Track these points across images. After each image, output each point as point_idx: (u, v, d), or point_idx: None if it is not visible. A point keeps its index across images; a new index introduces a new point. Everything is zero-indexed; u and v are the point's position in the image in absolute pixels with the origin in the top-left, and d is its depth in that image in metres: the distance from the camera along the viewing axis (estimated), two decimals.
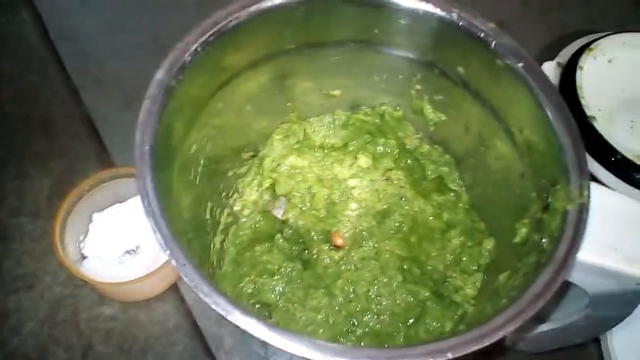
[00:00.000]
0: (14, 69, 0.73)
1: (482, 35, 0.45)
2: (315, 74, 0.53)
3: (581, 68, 0.63)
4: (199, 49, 0.44)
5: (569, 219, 0.40)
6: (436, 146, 0.56)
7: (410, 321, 0.51)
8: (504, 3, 0.81)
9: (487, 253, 0.50)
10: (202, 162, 0.49)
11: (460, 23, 0.46)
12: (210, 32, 0.45)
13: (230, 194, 0.56)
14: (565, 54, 0.67)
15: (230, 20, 0.46)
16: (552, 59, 0.67)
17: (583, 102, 0.61)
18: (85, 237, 0.60)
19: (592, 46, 0.65)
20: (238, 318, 0.35)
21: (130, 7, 0.77)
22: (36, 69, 0.73)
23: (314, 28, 0.49)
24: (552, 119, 0.42)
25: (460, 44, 0.46)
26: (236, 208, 0.56)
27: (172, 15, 0.75)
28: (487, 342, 0.34)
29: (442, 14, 0.46)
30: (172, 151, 0.44)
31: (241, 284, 0.53)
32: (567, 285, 0.42)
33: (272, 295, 0.53)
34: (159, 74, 0.43)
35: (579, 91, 0.61)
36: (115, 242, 0.60)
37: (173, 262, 0.37)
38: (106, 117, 0.69)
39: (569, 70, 0.63)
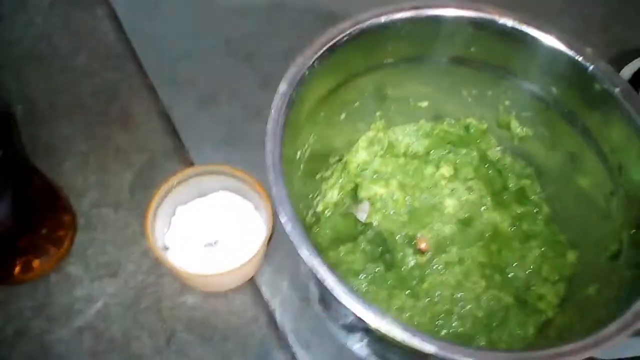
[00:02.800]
0: (91, 64, 0.74)
1: (579, 59, 0.47)
2: (407, 86, 0.56)
3: None
4: (315, 63, 0.47)
5: None
6: (519, 159, 0.58)
7: (493, 325, 0.53)
8: (563, 20, 0.81)
9: (569, 264, 0.52)
10: (301, 167, 0.53)
11: (560, 48, 0.47)
12: (325, 48, 0.48)
13: (315, 196, 0.59)
14: (626, 72, 0.68)
15: (342, 37, 0.47)
16: None
17: None
18: (169, 229, 0.61)
19: None
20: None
21: (202, 10, 0.78)
22: (113, 66, 0.74)
23: (415, 45, 0.52)
24: None
25: (556, 67, 0.48)
26: (318, 209, 0.59)
27: (241, 20, 0.78)
28: (600, 347, 0.36)
29: (542, 38, 0.48)
30: (288, 158, 0.47)
31: None
32: None
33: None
34: (282, 87, 0.45)
35: None
36: (196, 235, 0.61)
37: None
38: (182, 115, 0.71)
39: None
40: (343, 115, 0.55)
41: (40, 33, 0.76)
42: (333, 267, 0.53)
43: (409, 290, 0.55)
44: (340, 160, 0.59)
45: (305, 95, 0.47)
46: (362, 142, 0.59)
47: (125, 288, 0.61)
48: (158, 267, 0.62)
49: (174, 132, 0.70)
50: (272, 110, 0.44)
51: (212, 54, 0.76)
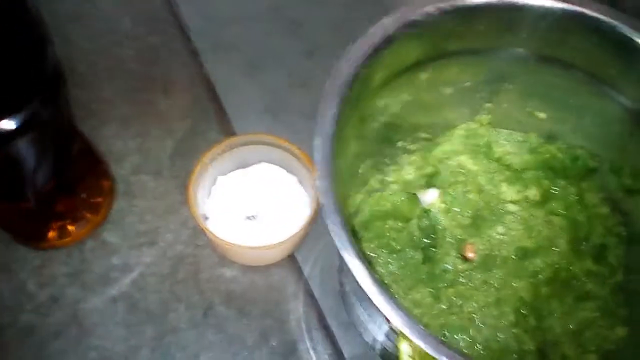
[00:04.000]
0: (135, 28, 0.73)
1: None
2: (530, 89, 0.52)
3: None
4: (424, 16, 0.45)
5: None
6: (616, 214, 0.52)
7: None
8: None
9: (614, 340, 0.48)
10: (382, 120, 0.51)
11: None
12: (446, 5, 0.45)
13: (389, 163, 0.56)
14: None
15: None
16: None
17: None
18: (209, 199, 0.59)
19: None
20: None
21: None
22: (157, 29, 0.72)
23: (551, 41, 0.47)
24: None
25: None
26: (388, 178, 0.57)
27: None
28: None
29: None
30: (362, 96, 0.45)
31: (360, 246, 0.53)
32: None
33: (382, 270, 0.53)
34: (386, 20, 0.43)
35: None
36: (237, 206, 0.59)
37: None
38: (226, 82, 0.69)
39: None
40: (449, 90, 0.52)
41: None
42: (376, 236, 0.53)
43: (432, 290, 0.51)
44: (430, 140, 0.56)
45: (403, 45, 0.45)
46: (460, 130, 0.55)
47: (163, 258, 0.60)
48: (197, 237, 0.61)
49: (216, 99, 0.68)
50: (360, 40, 0.42)
51: (258, 21, 0.73)
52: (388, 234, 0.53)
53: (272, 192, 0.60)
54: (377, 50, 0.43)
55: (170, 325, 0.57)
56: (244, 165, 0.61)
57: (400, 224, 0.54)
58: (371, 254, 0.52)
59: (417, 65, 0.48)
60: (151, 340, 0.56)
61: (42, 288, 0.58)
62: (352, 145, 0.47)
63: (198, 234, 0.60)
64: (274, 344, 0.57)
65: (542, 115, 0.54)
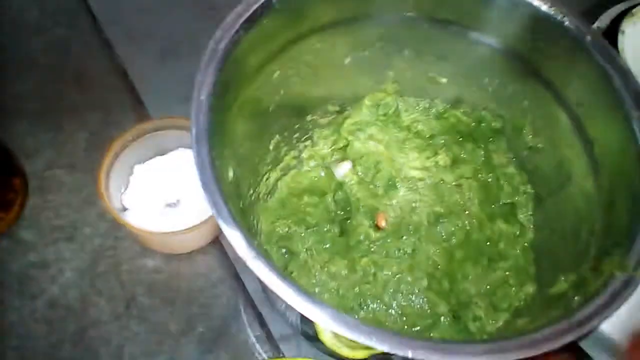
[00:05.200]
0: (42, 20, 0.71)
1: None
2: (426, 54, 0.52)
3: (623, 32, 0.62)
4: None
5: (611, 285, 0.37)
6: (523, 173, 0.53)
7: (417, 329, 0.50)
8: None
9: (523, 297, 0.49)
10: (282, 92, 0.49)
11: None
12: None
13: (302, 139, 0.56)
14: (604, 19, 0.66)
15: None
16: (591, 24, 0.66)
17: None
18: (126, 188, 0.58)
19: (633, 11, 0.64)
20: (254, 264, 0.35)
21: None
22: (65, 21, 0.71)
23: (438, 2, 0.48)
24: None
25: (523, 19, 0.45)
26: (304, 155, 0.56)
27: None
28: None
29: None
30: (244, 71, 0.44)
31: (277, 223, 0.53)
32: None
33: (300, 246, 0.53)
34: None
35: (621, 54, 0.60)
36: (156, 194, 0.58)
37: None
38: (140, 70, 0.68)
39: (609, 35, 0.63)
40: (348, 59, 0.51)
41: None
42: (292, 212, 0.53)
43: (348, 261, 0.52)
44: (341, 112, 0.55)
45: (280, 16, 0.43)
46: (368, 100, 0.55)
47: (81, 252, 0.59)
48: (116, 229, 0.60)
49: (131, 89, 0.66)
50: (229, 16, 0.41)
51: (172, 6, 0.71)
52: (304, 210, 0.53)
53: (192, 177, 0.59)
54: (250, 23, 0.42)
55: (92, 319, 0.56)
56: (161, 152, 0.60)
57: (316, 199, 0.54)
58: (288, 230, 0.52)
59: (308, 35, 0.47)
60: (73, 335, 0.55)
61: None
62: (243, 124, 0.46)
63: (118, 225, 0.59)
64: (201, 329, 0.56)
65: (443, 80, 0.54)
